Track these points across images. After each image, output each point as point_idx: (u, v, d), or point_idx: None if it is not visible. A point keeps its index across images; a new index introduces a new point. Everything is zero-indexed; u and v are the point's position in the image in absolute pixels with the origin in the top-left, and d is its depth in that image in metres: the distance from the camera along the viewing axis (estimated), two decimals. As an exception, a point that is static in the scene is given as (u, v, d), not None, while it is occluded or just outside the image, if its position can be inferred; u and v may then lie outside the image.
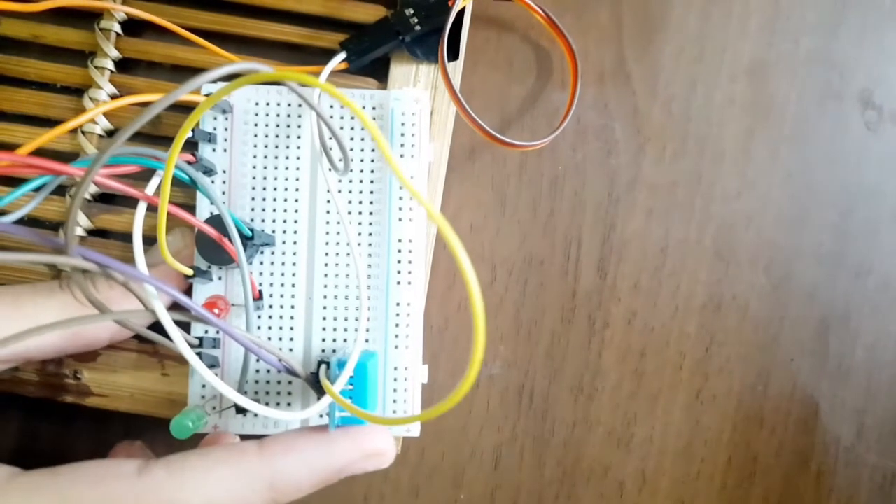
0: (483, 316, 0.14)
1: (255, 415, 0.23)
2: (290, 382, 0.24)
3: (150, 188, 0.18)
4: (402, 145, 0.24)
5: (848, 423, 0.29)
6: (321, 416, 0.23)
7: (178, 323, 0.18)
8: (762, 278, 0.29)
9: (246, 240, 0.22)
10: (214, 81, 0.20)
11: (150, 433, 0.27)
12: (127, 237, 0.25)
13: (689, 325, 0.28)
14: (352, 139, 0.24)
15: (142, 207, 0.18)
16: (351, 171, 0.24)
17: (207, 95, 0.23)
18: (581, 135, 0.28)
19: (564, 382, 0.28)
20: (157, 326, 0.18)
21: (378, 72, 0.26)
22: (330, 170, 0.23)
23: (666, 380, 0.28)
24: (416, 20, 0.25)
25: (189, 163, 0.21)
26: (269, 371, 0.24)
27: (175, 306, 0.18)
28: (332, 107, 0.24)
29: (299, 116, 0.24)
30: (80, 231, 0.25)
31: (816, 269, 0.29)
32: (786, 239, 0.29)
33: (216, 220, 0.21)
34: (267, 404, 0.23)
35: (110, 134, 0.26)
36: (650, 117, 0.28)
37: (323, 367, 0.21)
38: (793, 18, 0.29)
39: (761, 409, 0.29)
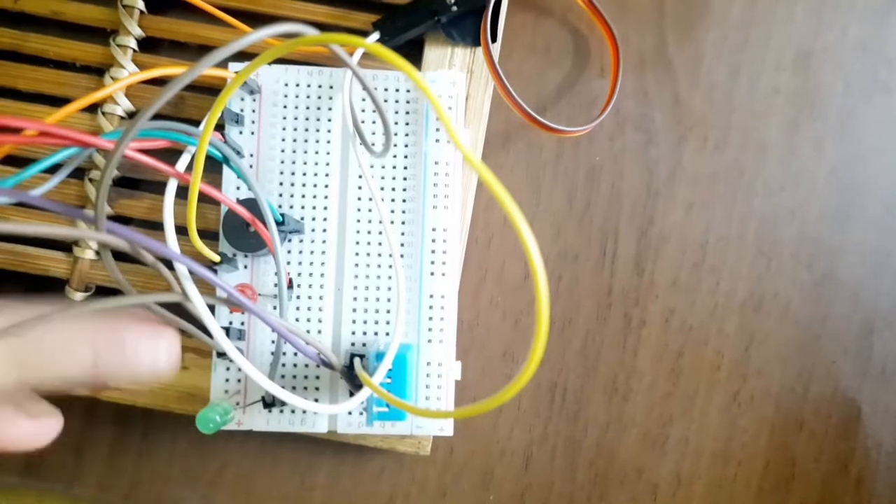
0: (547, 301, 0.13)
1: (282, 410, 0.22)
2: (317, 377, 0.22)
3: (181, 164, 0.17)
4: (437, 129, 0.23)
5: (890, 427, 0.28)
6: (351, 412, 0.22)
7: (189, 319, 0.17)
8: (805, 276, 0.27)
9: (276, 226, 0.21)
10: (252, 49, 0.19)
11: (171, 430, 0.26)
12: (148, 224, 0.24)
13: (728, 324, 0.27)
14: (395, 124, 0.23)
15: (172, 185, 0.17)
16: (390, 152, 0.23)
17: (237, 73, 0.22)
18: (619, 124, 0.27)
19: (598, 382, 0.27)
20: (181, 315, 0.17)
21: (412, 54, 0.25)
22: (363, 153, 0.22)
23: (703, 380, 0.27)
24: (453, 0, 0.24)
25: (217, 144, 0.20)
26: (295, 365, 0.22)
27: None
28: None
29: (330, 98, 0.23)
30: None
31: (861, 267, 0.28)
32: (830, 235, 0.28)
33: (248, 204, 0.20)
34: (293, 399, 0.22)
35: (131, 116, 0.25)
36: (691, 106, 0.27)
37: (357, 360, 0.20)
38: (841, 5, 0.28)
39: (801, 412, 0.27)
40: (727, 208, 0.27)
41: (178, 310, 0.17)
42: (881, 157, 0.28)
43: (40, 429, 0.17)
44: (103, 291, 0.25)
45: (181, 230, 0.18)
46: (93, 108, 0.24)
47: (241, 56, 0.20)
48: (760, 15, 0.28)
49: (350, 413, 0.22)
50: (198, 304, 0.15)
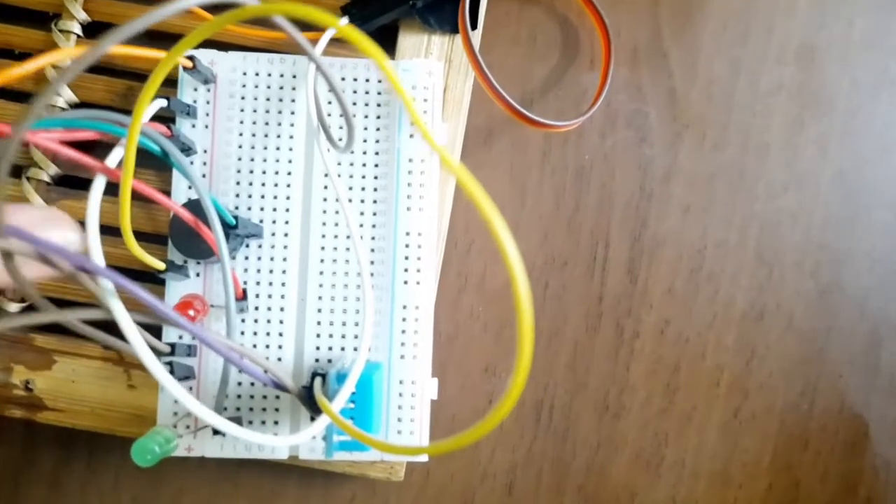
0: (530, 321, 0.11)
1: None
2: (277, 397, 0.20)
3: (112, 159, 0.15)
4: (411, 124, 0.21)
5: (899, 446, 0.26)
6: (315, 437, 0.20)
7: (145, 326, 0.15)
8: (809, 284, 0.26)
9: (229, 229, 0.19)
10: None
11: (119, 455, 0.23)
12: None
13: (727, 336, 0.25)
14: (353, 116, 0.21)
15: (99, 183, 0.15)
16: (352, 151, 0.21)
17: (191, 59, 0.19)
18: (611, 120, 0.25)
19: (588, 398, 0.25)
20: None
21: (385, 41, 0.23)
22: (329, 150, 0.20)
23: (701, 396, 0.25)
24: (430, -17, 0.21)
25: (163, 136, 0.18)
26: (253, 384, 0.20)
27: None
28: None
29: (293, 89, 0.21)
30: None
31: (868, 274, 0.26)
32: (835, 241, 0.26)
33: (194, 206, 0.18)
34: (251, 422, 0.20)
35: (75, 108, 0.22)
36: (688, 102, 0.25)
37: (318, 379, 0.17)
38: (848, -5, 0.26)
39: (805, 430, 0.26)
40: (726, 212, 0.25)
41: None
42: (889, 157, 0.26)
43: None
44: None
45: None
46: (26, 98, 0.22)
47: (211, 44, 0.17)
48: (761, 6, 0.26)
49: (315, 438, 0.20)
50: (124, 323, 0.13)
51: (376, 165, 0.21)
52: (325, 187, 0.21)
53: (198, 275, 0.20)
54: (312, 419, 0.18)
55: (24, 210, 0.14)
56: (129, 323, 0.13)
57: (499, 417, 0.12)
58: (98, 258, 0.13)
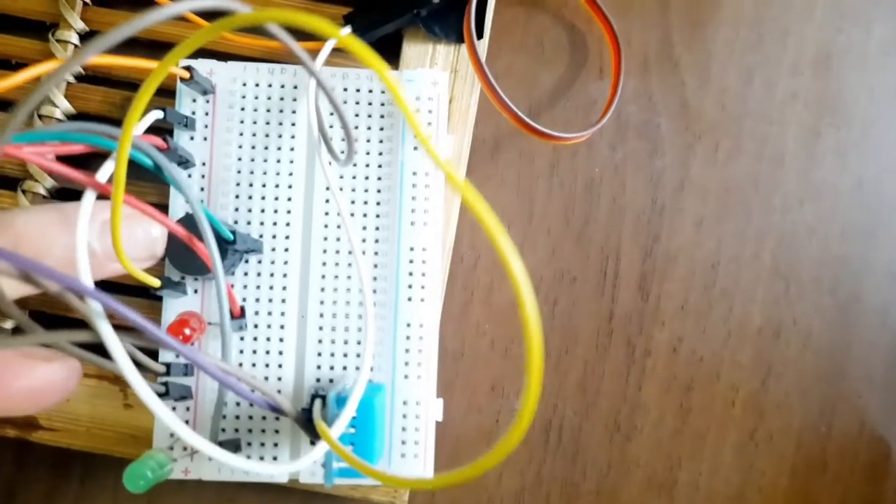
0: (540, 347, 0.10)
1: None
2: (276, 418, 0.20)
3: (103, 174, 0.14)
4: (415, 137, 0.20)
5: (922, 468, 0.25)
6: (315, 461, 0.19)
7: (140, 346, 0.14)
8: (827, 300, 0.25)
9: (226, 244, 0.18)
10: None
11: (114, 475, 0.23)
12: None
13: (742, 354, 0.24)
14: (356, 127, 0.20)
15: (89, 198, 0.14)
16: (355, 164, 0.20)
17: (188, 69, 0.19)
18: (621, 131, 0.24)
19: (598, 419, 0.24)
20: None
21: (388, 51, 0.22)
22: (330, 163, 0.19)
23: (715, 417, 0.24)
24: (435, -9, 0.21)
25: (160, 150, 0.18)
26: (251, 404, 0.19)
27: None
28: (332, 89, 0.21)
29: (294, 100, 0.20)
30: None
31: (888, 289, 0.25)
32: (854, 254, 0.25)
33: (190, 221, 0.17)
34: (249, 444, 0.19)
35: (72, 119, 0.22)
36: (701, 112, 0.25)
37: (318, 402, 0.17)
38: (865, 1, 0.25)
39: (824, 452, 0.25)
40: (741, 225, 0.25)
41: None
42: (910, 168, 0.25)
43: (62, 370, 0.16)
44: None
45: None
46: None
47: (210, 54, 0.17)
48: (776, 11, 0.25)
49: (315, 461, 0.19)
50: (113, 347, 0.12)
51: (379, 179, 0.20)
52: (327, 201, 0.20)
53: (196, 291, 0.20)
54: (313, 443, 0.18)
55: (105, 208, 0.14)
56: (118, 347, 0.12)
57: (508, 448, 0.11)
58: (86, 278, 0.13)
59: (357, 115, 0.20)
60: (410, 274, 0.20)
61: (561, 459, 0.24)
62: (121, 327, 0.13)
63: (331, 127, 0.20)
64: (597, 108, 0.24)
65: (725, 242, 0.25)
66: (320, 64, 0.19)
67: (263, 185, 0.20)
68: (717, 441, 0.24)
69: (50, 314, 0.21)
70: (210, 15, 0.13)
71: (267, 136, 0.20)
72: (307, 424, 0.16)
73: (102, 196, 0.15)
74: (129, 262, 0.15)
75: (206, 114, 0.20)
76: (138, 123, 0.16)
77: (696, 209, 0.24)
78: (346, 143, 0.17)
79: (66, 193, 0.22)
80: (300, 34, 0.20)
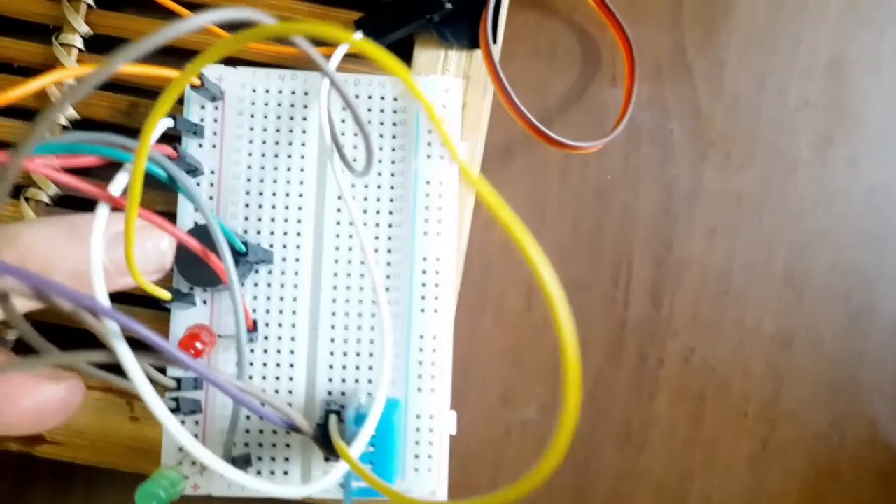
0: (576, 361, 0.10)
1: (246, 471, 0.19)
2: (288, 432, 0.19)
3: (116, 187, 0.14)
4: (429, 144, 0.20)
5: (934, 477, 0.25)
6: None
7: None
8: (839, 308, 0.25)
9: (238, 256, 0.18)
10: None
11: (118, 491, 0.22)
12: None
13: (755, 363, 0.24)
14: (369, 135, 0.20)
15: (102, 212, 0.13)
16: (373, 170, 0.20)
17: (198, 75, 0.18)
18: (633, 138, 0.24)
19: (610, 429, 0.24)
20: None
21: (399, 57, 0.22)
22: (343, 171, 0.19)
23: (728, 427, 0.24)
24: (447, -4, 0.21)
25: (170, 158, 0.17)
26: (262, 418, 0.19)
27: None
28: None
29: (305, 107, 0.20)
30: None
31: (901, 298, 0.25)
32: (867, 262, 0.25)
33: (201, 231, 0.17)
34: (260, 459, 0.19)
35: (77, 126, 0.21)
36: (713, 119, 0.24)
37: (333, 418, 0.16)
38: (879, 6, 0.25)
39: (837, 461, 0.24)
40: (753, 233, 0.24)
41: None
42: (922, 175, 0.25)
43: (67, 389, 0.16)
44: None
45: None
46: (29, 116, 0.21)
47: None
48: (789, 17, 0.25)
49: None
50: (129, 366, 0.12)
51: (392, 187, 0.20)
52: (339, 210, 0.20)
53: (205, 302, 0.19)
54: (327, 459, 0.17)
55: (115, 220, 0.14)
56: (136, 369, 0.12)
57: (539, 478, 0.11)
58: (102, 296, 0.12)
59: (369, 122, 0.20)
60: (424, 285, 0.20)
61: (572, 469, 0.24)
62: (129, 339, 0.13)
63: (342, 134, 0.20)
64: (609, 115, 0.24)
65: (738, 250, 0.24)
66: (333, 69, 0.19)
67: (274, 194, 0.20)
68: (730, 451, 0.24)
69: (48, 322, 0.21)
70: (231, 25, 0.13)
71: (277, 143, 0.20)
72: (323, 440, 0.16)
73: (112, 208, 0.15)
74: (141, 276, 0.14)
75: (215, 121, 0.20)
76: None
77: (709, 217, 0.24)
78: (364, 151, 0.17)
79: (70, 201, 0.22)
80: (309, 40, 0.20)
